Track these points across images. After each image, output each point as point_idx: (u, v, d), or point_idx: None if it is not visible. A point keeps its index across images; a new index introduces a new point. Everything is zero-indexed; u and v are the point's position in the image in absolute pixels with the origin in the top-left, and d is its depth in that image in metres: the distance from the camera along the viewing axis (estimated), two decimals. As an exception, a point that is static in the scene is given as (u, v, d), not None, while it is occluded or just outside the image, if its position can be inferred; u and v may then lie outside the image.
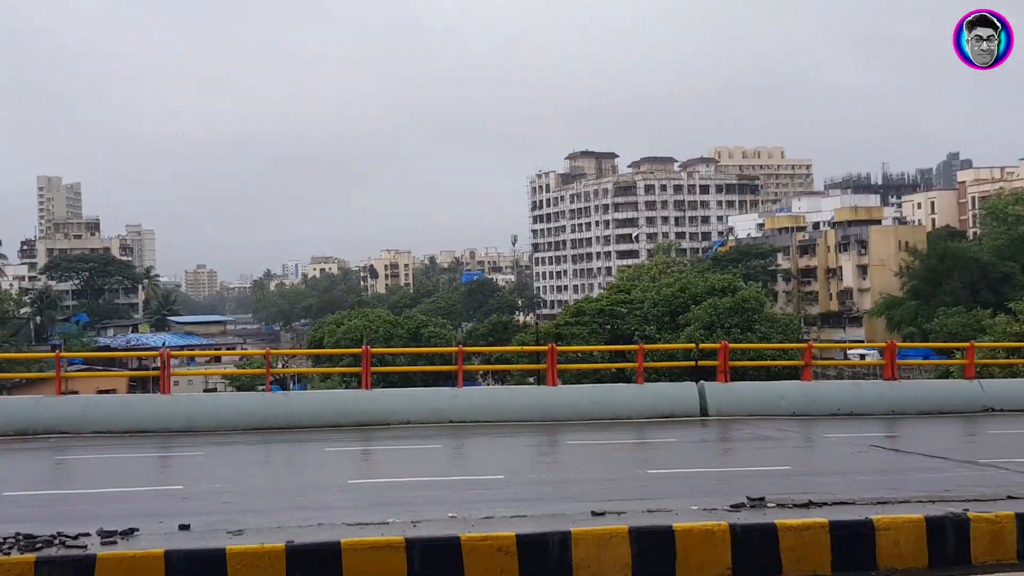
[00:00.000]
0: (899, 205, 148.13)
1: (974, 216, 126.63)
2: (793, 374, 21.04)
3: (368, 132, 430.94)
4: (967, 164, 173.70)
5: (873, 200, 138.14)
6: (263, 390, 20.01)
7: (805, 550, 7.63)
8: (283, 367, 63.41)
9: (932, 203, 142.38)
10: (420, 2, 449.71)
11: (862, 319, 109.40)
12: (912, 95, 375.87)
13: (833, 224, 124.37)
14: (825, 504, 8.49)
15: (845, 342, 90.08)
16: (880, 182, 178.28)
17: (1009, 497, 8.79)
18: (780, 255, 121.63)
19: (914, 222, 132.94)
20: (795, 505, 8.43)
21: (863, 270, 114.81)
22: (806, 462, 13.58)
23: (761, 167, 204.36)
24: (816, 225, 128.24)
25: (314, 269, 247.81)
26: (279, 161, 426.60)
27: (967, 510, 8.10)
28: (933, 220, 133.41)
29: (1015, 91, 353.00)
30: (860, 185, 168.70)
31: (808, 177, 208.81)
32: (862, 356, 62.71)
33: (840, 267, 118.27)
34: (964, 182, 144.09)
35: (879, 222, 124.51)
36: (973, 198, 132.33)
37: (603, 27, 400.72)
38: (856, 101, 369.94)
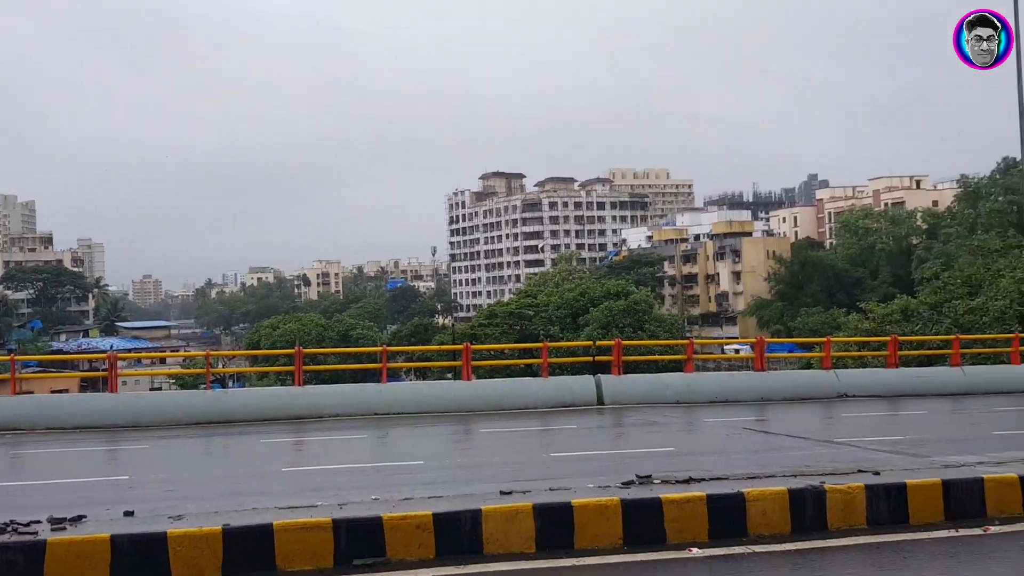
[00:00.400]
0: (767, 219, 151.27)
1: (830, 229, 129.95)
2: (678, 367, 21.28)
3: (302, 150, 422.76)
4: (824, 184, 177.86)
5: (745, 215, 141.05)
6: (204, 389, 19.58)
7: (686, 521, 7.69)
8: (223, 367, 62.07)
9: (795, 218, 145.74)
10: (345, 31, 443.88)
11: (736, 318, 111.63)
12: (778, 124, 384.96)
13: (711, 236, 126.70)
14: (703, 480, 8.57)
15: (722, 338, 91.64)
16: (751, 199, 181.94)
17: (859, 471, 8.97)
18: (666, 263, 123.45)
19: (780, 234, 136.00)
20: (678, 481, 8.50)
21: (737, 276, 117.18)
22: (688, 444, 13.73)
23: (650, 186, 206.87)
24: (697, 237, 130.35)
25: (252, 278, 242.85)
26: (221, 178, 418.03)
27: (824, 483, 8.25)
28: (796, 232, 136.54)
29: (865, 120, 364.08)
30: (734, 202, 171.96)
31: (690, 195, 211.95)
32: (736, 351, 63.80)
33: (718, 273, 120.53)
34: (822, 199, 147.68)
35: (750, 234, 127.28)
36: (829, 213, 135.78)
37: (511, 60, 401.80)
38: (731, 129, 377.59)
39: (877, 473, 8.81)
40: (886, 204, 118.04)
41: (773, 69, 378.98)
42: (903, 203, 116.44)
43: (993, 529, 8.01)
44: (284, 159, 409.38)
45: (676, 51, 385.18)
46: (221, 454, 14.16)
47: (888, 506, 8.21)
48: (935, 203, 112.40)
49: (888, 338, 22.92)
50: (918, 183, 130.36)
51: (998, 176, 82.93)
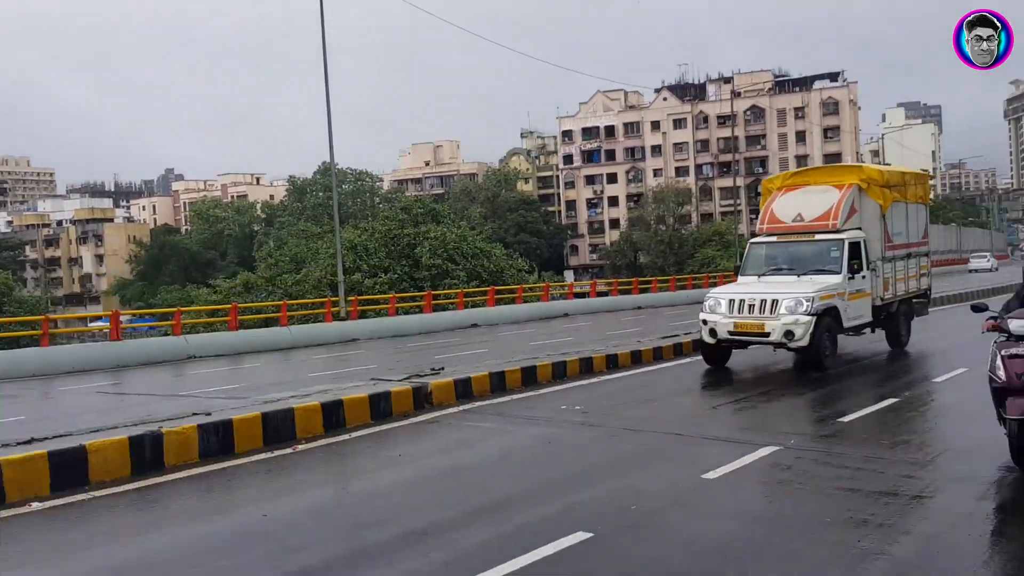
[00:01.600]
0: (128, 207, 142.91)
1: (186, 217, 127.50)
2: (37, 342, 18.93)
3: None
4: (180, 177, 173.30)
5: (107, 203, 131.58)
6: None
7: (27, 480, 6.91)
8: None
9: (154, 206, 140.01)
10: None
11: (100, 297, 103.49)
12: (138, 122, 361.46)
13: (74, 222, 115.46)
14: (47, 439, 7.78)
15: (85, 315, 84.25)
16: (113, 189, 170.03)
17: (194, 414, 8.98)
18: (28, 247, 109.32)
19: (141, 221, 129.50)
20: (19, 443, 7.59)
21: (100, 259, 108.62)
22: (40, 411, 12.32)
23: (9, 173, 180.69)
24: (60, 222, 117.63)
25: None
26: None
27: (162, 427, 8.08)
28: (155, 220, 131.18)
29: (216, 123, 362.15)
30: (96, 191, 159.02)
31: (52, 183, 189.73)
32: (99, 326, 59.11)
33: (81, 256, 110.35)
34: (178, 191, 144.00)
35: (112, 220, 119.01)
36: (185, 203, 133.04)
37: None
38: (93, 123, 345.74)
39: (209, 414, 8.89)
40: (233, 196, 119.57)
41: (136, 73, 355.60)
42: (247, 196, 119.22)
43: (300, 447, 8.67)
44: None
45: (28, 44, 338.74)
46: None
47: (218, 440, 8.37)
48: (272, 197, 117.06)
49: (230, 306, 23.26)
50: (258, 180, 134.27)
51: (319, 176, 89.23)
